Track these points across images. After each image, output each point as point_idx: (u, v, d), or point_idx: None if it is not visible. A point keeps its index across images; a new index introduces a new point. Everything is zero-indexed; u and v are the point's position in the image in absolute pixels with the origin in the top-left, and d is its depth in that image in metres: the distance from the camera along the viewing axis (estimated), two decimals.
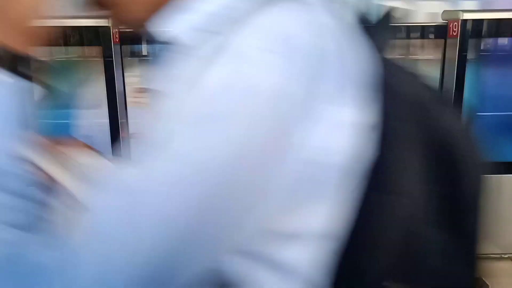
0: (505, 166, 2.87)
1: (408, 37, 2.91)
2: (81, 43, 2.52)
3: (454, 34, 2.70)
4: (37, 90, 0.50)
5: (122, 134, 2.41)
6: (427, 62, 3.01)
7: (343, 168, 0.42)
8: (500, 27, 2.74)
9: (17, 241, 0.38)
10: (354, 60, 0.45)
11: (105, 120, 2.36)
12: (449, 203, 0.49)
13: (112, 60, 2.33)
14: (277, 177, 0.39)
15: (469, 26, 2.66)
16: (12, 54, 0.44)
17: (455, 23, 2.69)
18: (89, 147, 0.70)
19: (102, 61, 2.42)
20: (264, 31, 0.39)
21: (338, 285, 0.43)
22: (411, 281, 0.48)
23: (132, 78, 2.47)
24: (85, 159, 0.65)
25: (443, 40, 2.84)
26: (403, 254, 0.46)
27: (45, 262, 0.38)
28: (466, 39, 2.67)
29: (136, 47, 2.52)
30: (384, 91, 0.45)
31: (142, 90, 2.42)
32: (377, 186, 0.43)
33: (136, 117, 2.43)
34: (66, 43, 2.50)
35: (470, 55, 2.71)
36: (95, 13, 0.51)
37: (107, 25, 2.22)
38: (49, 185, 0.55)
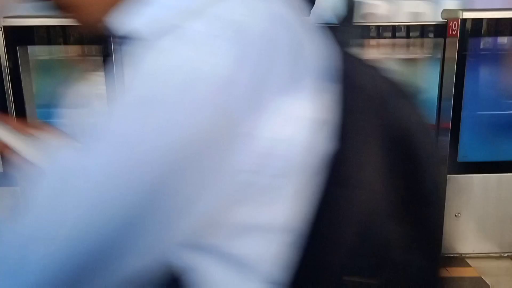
0: (504, 165, 2.87)
1: (407, 36, 2.91)
2: (81, 42, 2.53)
3: (454, 33, 2.70)
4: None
5: None
6: (427, 61, 3.01)
7: (299, 161, 0.41)
8: (500, 26, 2.74)
9: None
10: (311, 52, 0.44)
11: None
12: (409, 196, 0.49)
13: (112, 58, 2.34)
14: (225, 168, 0.38)
15: (468, 25, 2.66)
16: None
17: (455, 22, 2.69)
18: (65, 135, 0.69)
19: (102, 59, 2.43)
20: (213, 17, 0.38)
21: (297, 280, 0.42)
22: (373, 274, 0.48)
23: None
24: (54, 142, 0.64)
25: (442, 39, 2.84)
26: (363, 248, 0.46)
27: None
28: (466, 38, 2.67)
29: None
30: (343, 84, 0.44)
31: None
32: (335, 179, 0.43)
33: None
34: (66, 42, 2.50)
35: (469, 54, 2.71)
36: (61, 15, 0.51)
37: None
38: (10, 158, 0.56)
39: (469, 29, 2.67)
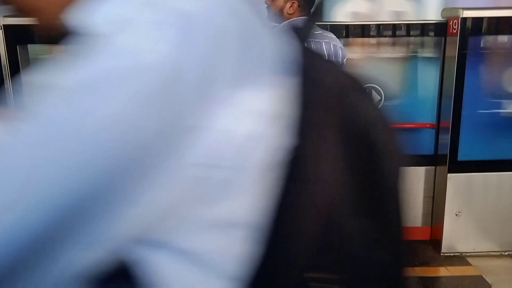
0: (504, 163, 2.87)
1: (408, 34, 2.91)
2: None
3: (454, 32, 2.70)
4: None
5: None
6: (427, 60, 3.01)
7: (256, 156, 0.40)
8: (500, 25, 2.73)
9: None
10: (269, 47, 0.44)
11: None
12: (369, 190, 0.49)
13: None
14: (174, 161, 0.37)
15: (469, 24, 2.66)
16: None
17: (455, 21, 2.69)
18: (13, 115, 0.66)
19: None
20: (161, 6, 0.37)
21: (259, 276, 0.42)
22: (335, 270, 0.48)
23: None
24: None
25: (442, 38, 2.84)
26: (324, 243, 0.45)
27: None
28: (466, 37, 2.67)
29: None
30: (302, 79, 0.44)
31: None
32: (294, 174, 0.42)
33: None
34: None
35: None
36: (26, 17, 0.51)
37: None
38: None
39: (469, 28, 2.67)
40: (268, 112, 0.41)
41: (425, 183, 3.02)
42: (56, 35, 0.47)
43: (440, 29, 2.84)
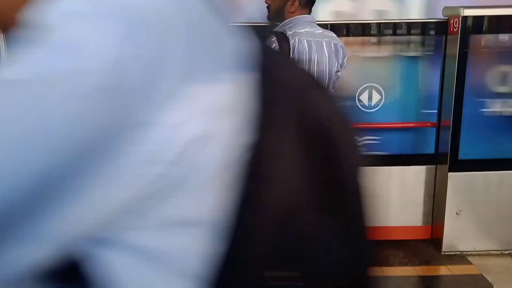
0: (505, 162, 2.87)
1: (408, 33, 2.91)
2: None
3: (455, 30, 2.70)
4: None
5: None
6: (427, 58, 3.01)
7: (214, 153, 0.40)
8: (501, 24, 2.73)
9: None
10: (227, 43, 0.43)
11: None
12: (330, 188, 0.48)
13: None
14: (123, 157, 0.36)
15: (469, 22, 2.66)
16: None
17: (456, 19, 2.69)
18: None
19: None
20: None
21: (220, 275, 0.41)
22: (297, 268, 0.47)
23: None
24: None
25: (443, 37, 2.83)
26: (285, 241, 0.45)
27: None
28: (467, 35, 2.67)
29: None
30: (261, 76, 0.44)
31: None
32: (254, 172, 0.42)
33: None
34: None
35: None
36: None
37: None
38: None
39: (470, 27, 2.67)
40: (224, 108, 0.40)
41: (426, 182, 3.02)
42: (11, 32, 0.47)
43: (441, 27, 2.84)
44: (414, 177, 3.02)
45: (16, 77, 0.35)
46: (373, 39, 2.95)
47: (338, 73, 2.16)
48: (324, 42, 2.05)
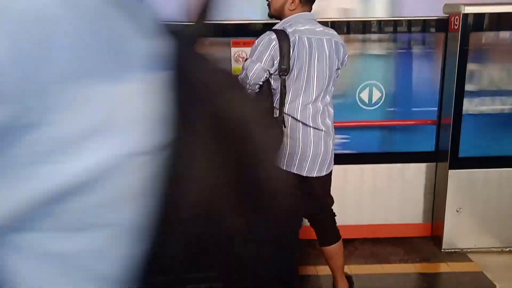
0: (505, 160, 2.87)
1: (409, 30, 2.91)
2: None
3: (455, 27, 2.70)
4: None
5: None
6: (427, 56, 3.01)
7: (123, 154, 0.39)
8: (502, 21, 2.73)
9: None
10: (129, 42, 0.42)
11: None
12: (248, 187, 0.48)
13: None
14: (10, 159, 0.35)
15: (470, 19, 2.66)
16: None
17: (456, 17, 2.68)
18: None
19: None
20: None
21: (136, 278, 0.41)
22: (215, 269, 0.47)
23: None
24: None
25: (444, 34, 2.83)
26: (203, 242, 0.45)
27: None
28: (468, 33, 2.67)
29: None
30: (174, 76, 0.43)
31: None
32: (167, 173, 0.41)
33: None
34: None
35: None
36: None
37: None
38: None
39: (471, 24, 2.67)
40: (128, 107, 0.40)
41: (426, 179, 3.02)
42: None
43: (441, 25, 2.83)
44: (415, 174, 3.02)
45: None
46: (374, 37, 2.95)
47: (339, 70, 2.16)
48: (324, 39, 2.05)
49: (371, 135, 3.09)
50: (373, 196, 3.02)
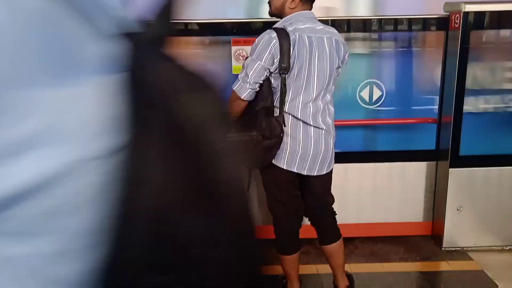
0: (506, 158, 2.87)
1: (410, 29, 2.91)
2: None
3: (456, 26, 2.69)
4: None
5: None
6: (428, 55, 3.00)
7: (78, 158, 0.39)
8: (502, 19, 2.72)
9: None
10: (80, 45, 0.42)
11: None
12: (205, 189, 0.48)
13: None
14: None
15: (471, 18, 2.65)
16: None
17: (457, 15, 2.68)
18: None
19: None
20: None
21: (93, 282, 0.41)
22: (175, 272, 0.47)
23: None
24: None
25: (444, 32, 2.83)
26: (160, 245, 0.45)
27: None
28: (468, 31, 2.66)
29: None
30: (129, 79, 0.43)
31: None
32: (122, 176, 0.41)
33: None
34: None
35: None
36: None
37: None
38: None
39: (471, 22, 2.66)
40: (79, 111, 0.40)
41: (427, 178, 3.02)
42: None
43: (442, 23, 2.83)
44: (415, 173, 3.02)
45: None
46: (375, 35, 2.95)
47: (339, 69, 2.16)
48: (325, 38, 2.04)
49: (371, 134, 3.09)
50: (374, 195, 3.02)
